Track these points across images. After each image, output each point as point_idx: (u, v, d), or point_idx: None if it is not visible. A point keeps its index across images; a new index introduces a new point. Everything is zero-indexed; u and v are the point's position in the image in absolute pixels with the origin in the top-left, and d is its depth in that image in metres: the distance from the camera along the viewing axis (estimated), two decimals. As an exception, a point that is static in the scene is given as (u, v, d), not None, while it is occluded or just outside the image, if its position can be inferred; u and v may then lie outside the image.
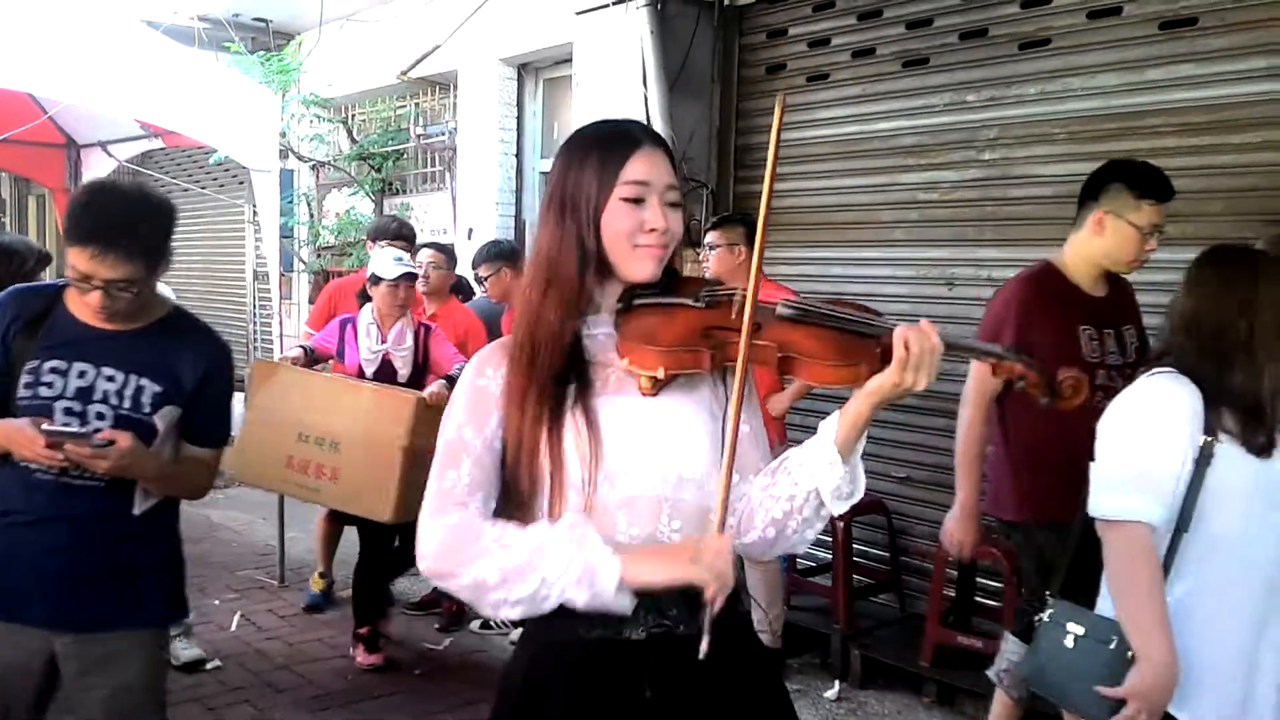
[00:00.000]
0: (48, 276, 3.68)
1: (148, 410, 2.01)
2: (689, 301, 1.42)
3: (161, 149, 6.66)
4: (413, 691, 3.76)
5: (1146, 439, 1.80)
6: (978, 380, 2.70)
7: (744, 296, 1.35)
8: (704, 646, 1.28)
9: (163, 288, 3.96)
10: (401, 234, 4.60)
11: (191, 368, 2.08)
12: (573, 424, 1.35)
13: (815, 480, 1.34)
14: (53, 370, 1.97)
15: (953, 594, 3.75)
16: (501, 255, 4.41)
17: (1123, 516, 1.81)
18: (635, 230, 1.37)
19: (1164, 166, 3.42)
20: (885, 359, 1.30)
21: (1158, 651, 1.75)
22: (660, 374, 1.35)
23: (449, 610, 4.42)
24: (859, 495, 1.37)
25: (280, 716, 3.52)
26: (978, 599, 3.81)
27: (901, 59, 4.18)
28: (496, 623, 4.31)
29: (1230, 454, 1.79)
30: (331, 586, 4.65)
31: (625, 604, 1.30)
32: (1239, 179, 3.27)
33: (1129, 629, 1.79)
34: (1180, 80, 3.42)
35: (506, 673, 1.48)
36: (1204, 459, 1.78)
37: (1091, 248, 2.61)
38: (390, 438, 3.45)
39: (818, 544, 4.32)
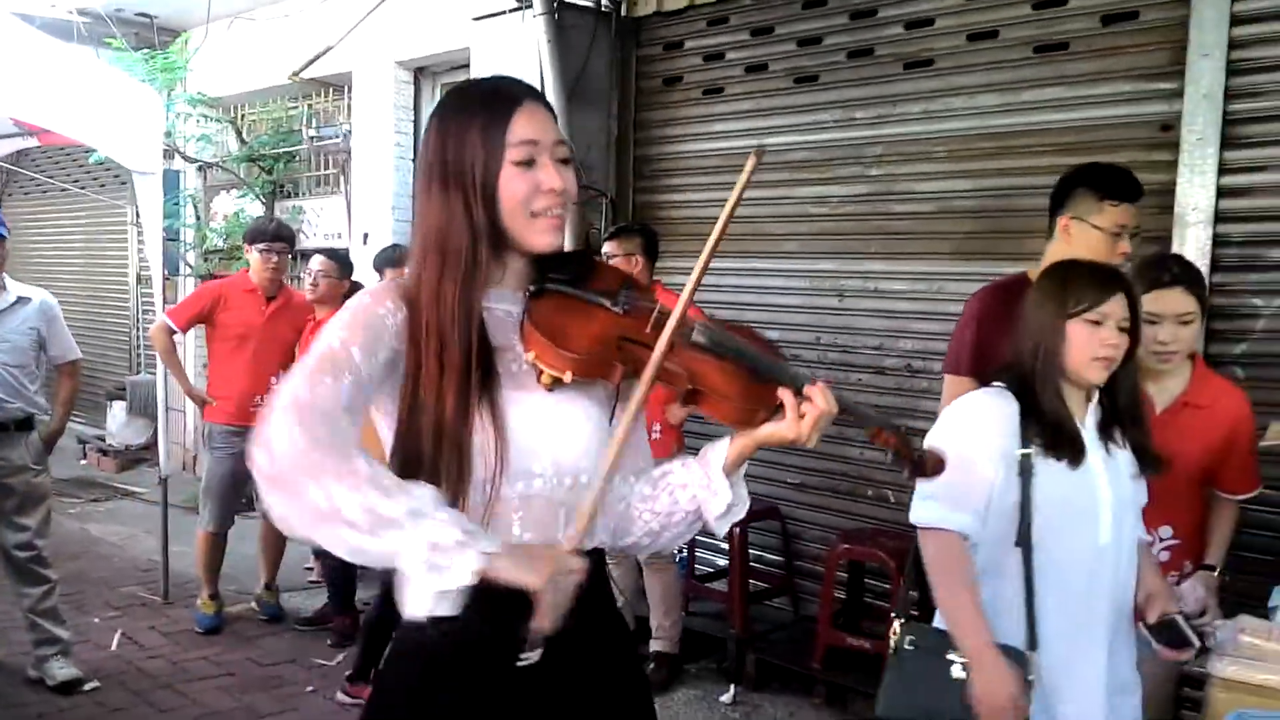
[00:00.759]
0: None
1: None
2: (606, 304, 1.36)
3: (38, 147, 6.36)
4: (304, 709, 3.68)
5: (959, 451, 1.77)
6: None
7: (664, 313, 1.32)
8: (533, 657, 1.26)
9: (34, 289, 3.86)
10: (280, 235, 4.55)
11: None
12: (479, 421, 1.27)
13: (698, 503, 1.38)
14: None
15: (843, 596, 3.86)
16: (399, 263, 4.33)
17: (934, 524, 1.91)
18: (531, 194, 1.29)
19: (1035, 185, 3.64)
20: (781, 408, 1.30)
21: (977, 648, 1.83)
22: (567, 378, 1.30)
23: (341, 625, 4.34)
24: (742, 512, 1.39)
25: (163, 739, 3.41)
26: (867, 600, 3.94)
27: (793, 75, 4.29)
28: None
29: (1048, 466, 1.88)
30: (222, 606, 4.52)
31: (451, 603, 1.16)
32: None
33: (953, 631, 1.89)
34: (1052, 102, 3.59)
35: (382, 675, 1.45)
36: (1025, 472, 1.87)
37: (1061, 256, 2.44)
38: None
39: (714, 550, 4.39)
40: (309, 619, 4.52)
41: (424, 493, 1.18)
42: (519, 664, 1.26)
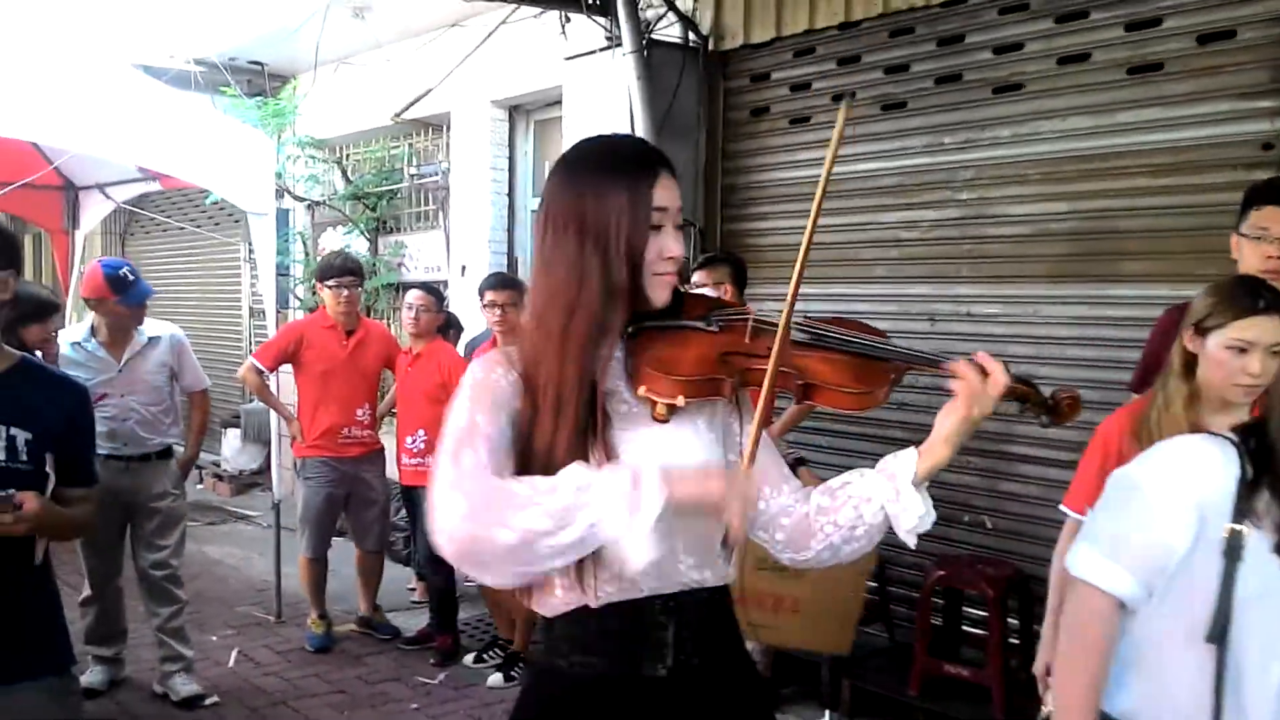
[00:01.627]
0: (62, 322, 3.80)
1: (25, 459, 1.99)
2: (701, 325, 1.41)
3: (160, 191, 6.76)
4: (409, 726, 3.82)
5: (1143, 500, 1.54)
6: None
7: (759, 322, 1.40)
8: (730, 569, 1.37)
9: (163, 324, 4.12)
10: (348, 269, 4.67)
11: (57, 412, 2.07)
12: (594, 460, 1.31)
13: (884, 515, 1.38)
14: None
15: (939, 623, 3.82)
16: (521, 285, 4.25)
17: (1085, 578, 1.58)
18: (655, 258, 1.36)
19: (1131, 206, 3.60)
20: (897, 382, 1.36)
21: None
22: (680, 403, 1.34)
23: (444, 645, 4.49)
24: (929, 524, 1.39)
25: (278, 752, 3.58)
26: (964, 628, 3.89)
27: (880, 102, 4.31)
28: (488, 654, 4.37)
29: (1261, 548, 1.46)
30: (330, 626, 4.71)
31: (651, 547, 1.20)
32: (1203, 218, 3.38)
33: (1056, 701, 1.61)
34: (1147, 123, 3.54)
35: (520, 706, 1.48)
36: (1231, 551, 1.47)
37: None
38: None
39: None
40: (413, 638, 4.68)
41: (571, 470, 1.24)
42: (720, 553, 1.30)
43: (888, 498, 1.37)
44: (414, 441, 4.45)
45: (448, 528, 1.22)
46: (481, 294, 4.26)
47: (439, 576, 4.49)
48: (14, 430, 1.98)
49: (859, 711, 3.82)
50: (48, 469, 2.02)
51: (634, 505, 1.19)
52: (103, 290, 3.91)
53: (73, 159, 5.69)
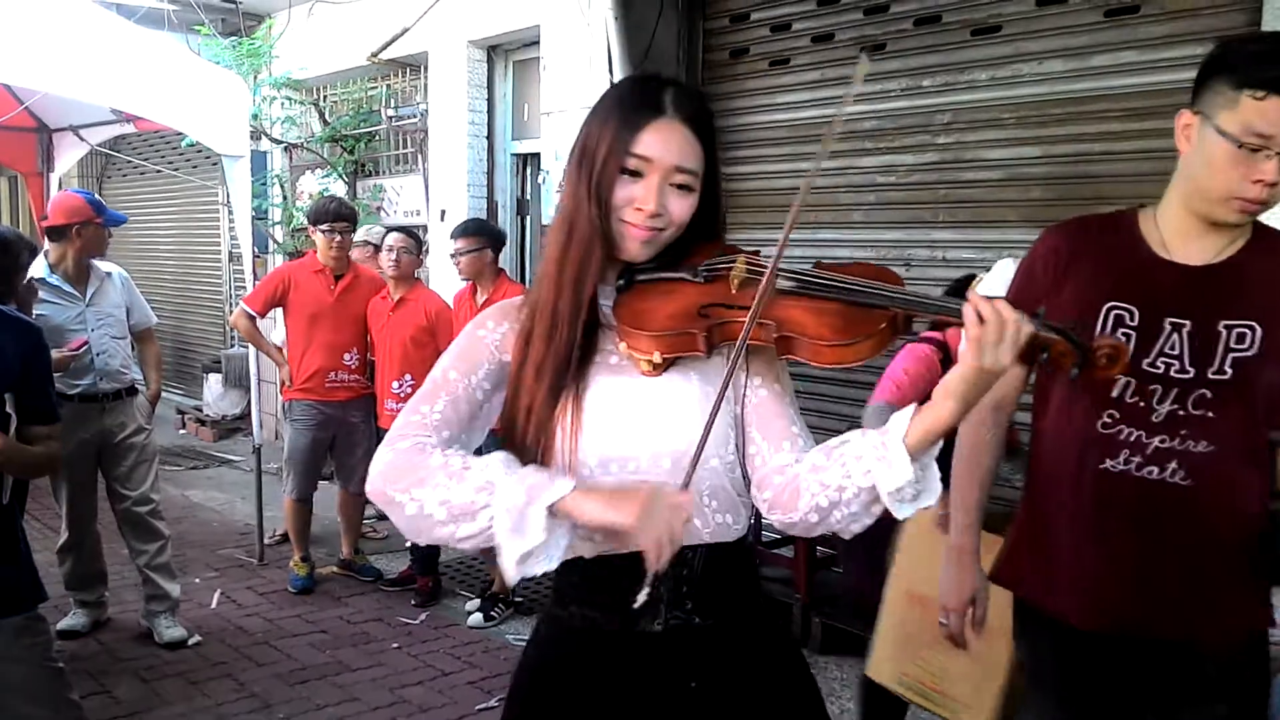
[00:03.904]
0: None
1: None
2: (687, 276, 1.34)
3: (135, 133, 6.67)
4: (390, 664, 3.88)
5: None
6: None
7: (749, 269, 1.30)
8: (640, 598, 1.19)
9: (107, 264, 4.09)
10: (341, 214, 4.66)
11: (13, 352, 2.09)
12: (564, 401, 1.30)
13: (873, 479, 1.21)
14: None
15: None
16: (485, 233, 4.36)
17: None
18: (624, 204, 1.29)
19: (1109, 151, 3.60)
20: (895, 331, 1.21)
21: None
22: (657, 358, 1.29)
23: (424, 586, 4.55)
24: (932, 499, 1.23)
25: (261, 689, 3.64)
26: (933, 568, 3.97)
27: (859, 44, 4.28)
28: (498, 609, 4.33)
29: None
30: (313, 567, 4.76)
31: (557, 549, 1.20)
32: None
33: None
34: (1124, 66, 3.53)
35: (521, 665, 1.46)
36: None
37: (1179, 174, 1.70)
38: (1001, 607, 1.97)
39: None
40: (394, 579, 4.74)
41: (491, 461, 1.22)
42: (632, 606, 1.19)
43: (876, 455, 1.21)
44: (400, 386, 4.47)
45: (371, 477, 1.27)
46: (453, 239, 4.34)
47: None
48: None
49: (828, 648, 3.90)
50: (8, 409, 2.04)
51: (518, 525, 1.17)
52: (86, 211, 3.92)
53: (45, 100, 5.59)
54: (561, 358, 1.30)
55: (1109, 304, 1.69)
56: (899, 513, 1.22)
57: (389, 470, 1.25)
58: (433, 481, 1.22)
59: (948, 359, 2.76)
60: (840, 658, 3.86)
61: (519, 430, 1.33)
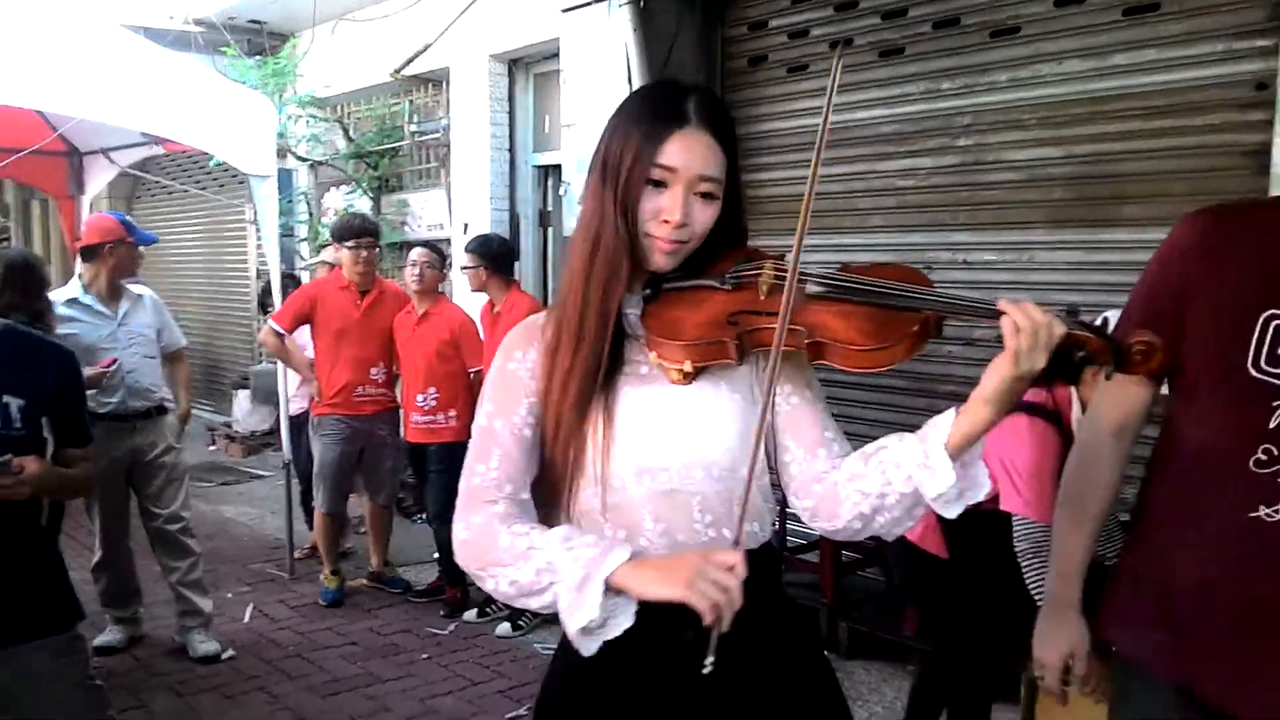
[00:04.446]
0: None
1: (19, 425, 2.04)
2: (715, 283, 1.33)
3: (164, 154, 6.77)
4: (420, 675, 3.91)
5: None
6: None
7: (776, 274, 1.29)
8: (708, 664, 1.17)
9: (139, 286, 4.18)
10: (366, 230, 4.74)
11: (47, 376, 2.11)
12: (594, 417, 1.31)
13: (914, 484, 1.24)
14: None
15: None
16: (484, 254, 4.44)
17: None
18: (649, 217, 1.29)
19: (1128, 150, 3.59)
20: (927, 334, 1.20)
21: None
22: (688, 367, 1.29)
23: (452, 597, 4.58)
24: (979, 495, 1.25)
25: (294, 702, 3.68)
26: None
27: (878, 49, 4.28)
28: (490, 609, 4.45)
29: None
30: (343, 580, 4.81)
31: (623, 619, 1.24)
32: (1200, 160, 3.37)
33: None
34: (1143, 65, 3.51)
35: (550, 674, 1.46)
36: None
37: None
38: None
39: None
40: (423, 590, 4.77)
41: (552, 541, 1.27)
42: (704, 671, 1.18)
43: (917, 462, 1.23)
44: (424, 399, 4.51)
45: (456, 551, 1.36)
46: (468, 253, 4.50)
47: (446, 530, 4.56)
48: (6, 398, 2.03)
49: (855, 653, 3.89)
50: (45, 433, 2.08)
51: (577, 603, 1.23)
52: (118, 231, 4.04)
53: (76, 124, 5.71)
54: (588, 369, 1.30)
55: (1268, 312, 1.40)
56: (947, 513, 1.24)
57: (466, 550, 1.34)
58: (502, 563, 1.29)
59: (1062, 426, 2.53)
60: (868, 661, 3.85)
61: (550, 442, 1.34)
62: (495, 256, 4.45)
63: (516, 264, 5.74)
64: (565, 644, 1.43)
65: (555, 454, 1.34)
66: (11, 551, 2.06)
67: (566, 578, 1.23)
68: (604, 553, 1.24)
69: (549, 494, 1.37)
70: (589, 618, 1.22)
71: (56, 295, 3.88)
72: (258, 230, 7.12)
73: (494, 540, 1.30)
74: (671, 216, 1.28)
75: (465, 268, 4.48)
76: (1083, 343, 1.17)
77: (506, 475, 1.34)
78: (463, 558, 1.34)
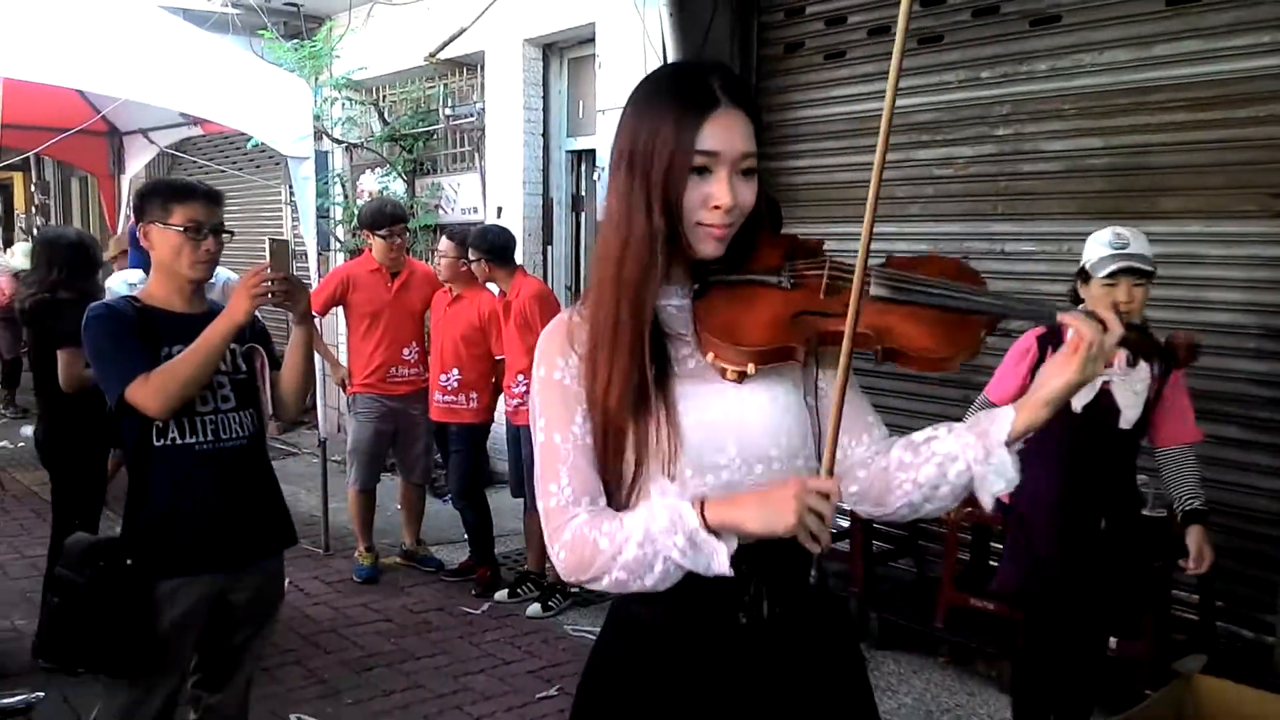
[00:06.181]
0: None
1: (244, 368, 2.42)
2: (771, 280, 1.30)
3: (202, 135, 6.86)
4: (452, 652, 3.97)
5: None
6: None
7: (835, 272, 1.28)
8: (812, 575, 1.23)
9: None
10: (397, 217, 4.80)
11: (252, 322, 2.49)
12: (654, 415, 1.27)
13: (971, 477, 1.28)
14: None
15: (966, 558, 3.89)
16: (485, 247, 4.37)
17: None
18: (698, 205, 1.25)
19: (1169, 141, 3.56)
20: (987, 335, 1.23)
21: None
22: (750, 370, 1.25)
23: (483, 576, 4.64)
24: (1010, 487, 1.29)
25: (329, 676, 3.75)
26: (991, 563, 3.95)
27: (916, 36, 4.25)
28: (521, 589, 4.49)
29: None
30: (377, 557, 4.88)
31: (724, 558, 1.22)
32: (1243, 153, 3.34)
33: None
34: (1187, 56, 3.48)
35: (597, 644, 1.46)
36: None
37: None
38: None
39: (837, 511, 4.46)
40: (456, 570, 4.84)
41: (636, 518, 1.26)
42: (810, 581, 1.24)
43: (975, 458, 1.26)
44: (448, 379, 4.57)
45: (561, 571, 1.32)
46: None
47: (472, 511, 4.64)
48: (231, 345, 2.37)
49: (886, 643, 3.91)
50: (257, 365, 2.46)
51: (697, 563, 1.22)
52: None
53: (116, 104, 5.79)
54: (629, 367, 1.27)
55: None
56: (989, 504, 1.29)
57: (568, 567, 1.30)
58: (607, 561, 1.26)
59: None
60: (898, 652, 3.87)
61: (600, 446, 1.32)
62: (496, 249, 4.43)
63: (533, 250, 5.77)
64: (608, 626, 1.46)
65: (608, 457, 1.32)
66: (266, 477, 2.47)
67: (673, 542, 1.22)
68: (678, 509, 1.23)
69: (608, 495, 1.36)
70: (723, 563, 1.21)
71: (120, 278, 3.94)
72: (294, 211, 7.18)
73: (592, 546, 1.27)
74: (722, 201, 1.24)
75: (470, 262, 4.46)
76: (1135, 344, 1.25)
77: (581, 490, 1.31)
78: (570, 575, 1.30)
